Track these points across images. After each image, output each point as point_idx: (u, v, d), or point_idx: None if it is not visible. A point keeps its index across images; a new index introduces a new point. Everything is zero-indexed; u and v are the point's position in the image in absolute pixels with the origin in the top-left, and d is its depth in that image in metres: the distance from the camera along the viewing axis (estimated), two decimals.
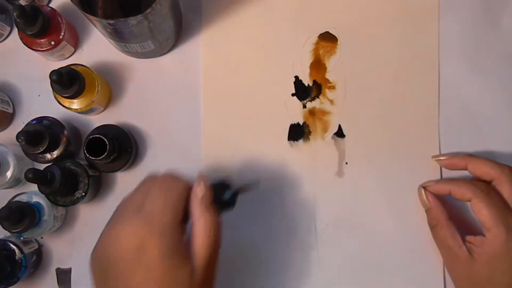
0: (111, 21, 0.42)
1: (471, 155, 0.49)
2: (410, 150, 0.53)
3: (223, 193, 0.43)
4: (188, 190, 0.40)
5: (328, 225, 0.52)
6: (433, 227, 0.48)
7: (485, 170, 0.47)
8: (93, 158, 0.48)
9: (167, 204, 0.39)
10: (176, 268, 0.37)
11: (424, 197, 0.49)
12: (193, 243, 0.39)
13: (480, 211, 0.44)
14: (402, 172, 0.52)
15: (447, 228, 0.47)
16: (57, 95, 0.49)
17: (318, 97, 0.54)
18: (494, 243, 0.44)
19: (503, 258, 0.44)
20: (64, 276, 0.52)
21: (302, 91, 0.54)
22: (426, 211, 0.50)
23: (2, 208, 0.45)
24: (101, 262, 0.39)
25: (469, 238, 0.46)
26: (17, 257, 0.49)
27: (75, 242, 0.53)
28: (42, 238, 0.53)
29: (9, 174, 0.50)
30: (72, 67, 0.48)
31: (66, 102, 0.49)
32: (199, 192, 0.40)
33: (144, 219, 0.38)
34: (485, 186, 0.46)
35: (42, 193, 0.47)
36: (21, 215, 0.46)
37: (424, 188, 0.50)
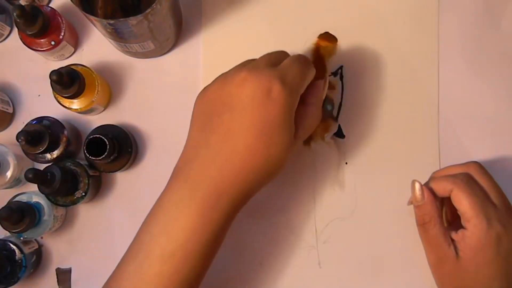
0: (111, 21, 0.42)
1: (431, 178, 0.48)
2: (409, 150, 0.53)
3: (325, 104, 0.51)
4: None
5: (328, 225, 0.52)
6: (424, 224, 0.46)
7: (442, 187, 0.46)
8: (93, 158, 0.48)
9: (302, 74, 0.42)
10: (288, 128, 0.40)
11: (419, 192, 0.46)
12: (301, 121, 0.42)
13: (460, 201, 0.44)
14: (402, 172, 0.52)
15: (441, 225, 0.46)
16: (57, 95, 0.49)
17: None
18: (476, 234, 0.43)
19: (486, 250, 0.43)
20: (64, 276, 0.52)
21: None
22: (416, 207, 0.47)
23: (2, 208, 0.45)
24: (214, 100, 0.40)
25: (451, 235, 0.45)
26: (17, 257, 0.49)
27: (75, 242, 0.53)
28: (42, 238, 0.53)
29: (9, 174, 0.50)
30: (72, 67, 0.48)
31: (66, 102, 0.49)
32: (323, 86, 0.45)
33: (279, 74, 0.39)
34: (465, 176, 0.45)
35: (42, 193, 0.47)
36: (21, 215, 0.46)
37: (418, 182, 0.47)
